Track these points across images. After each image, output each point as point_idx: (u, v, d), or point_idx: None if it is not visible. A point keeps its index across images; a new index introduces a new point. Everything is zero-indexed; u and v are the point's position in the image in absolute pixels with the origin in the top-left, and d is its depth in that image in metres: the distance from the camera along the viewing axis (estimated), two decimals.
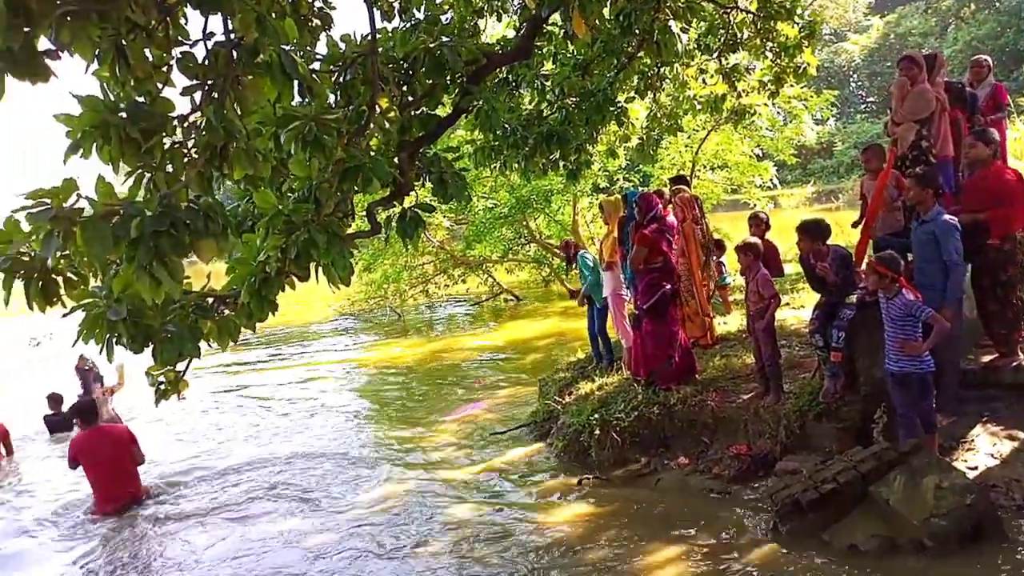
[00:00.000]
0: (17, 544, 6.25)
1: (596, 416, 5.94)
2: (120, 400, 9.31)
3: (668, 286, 6.13)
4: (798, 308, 7.87)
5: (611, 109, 6.35)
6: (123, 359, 9.52)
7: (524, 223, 16.20)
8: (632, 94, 7.23)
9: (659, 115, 8.56)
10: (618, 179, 16.04)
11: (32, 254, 2.74)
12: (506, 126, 5.57)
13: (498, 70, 5.68)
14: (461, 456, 6.85)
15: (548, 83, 6.32)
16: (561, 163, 6.35)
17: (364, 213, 4.46)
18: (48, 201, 2.56)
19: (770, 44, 7.48)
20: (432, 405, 9.07)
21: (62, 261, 2.78)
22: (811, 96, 14.14)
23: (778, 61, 7.77)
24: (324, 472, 6.97)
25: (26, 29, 2.03)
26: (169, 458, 8.06)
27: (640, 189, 11.11)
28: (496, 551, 4.83)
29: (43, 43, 2.18)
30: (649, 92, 7.72)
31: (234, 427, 9.10)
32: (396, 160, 4.02)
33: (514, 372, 10.38)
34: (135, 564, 5.59)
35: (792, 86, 10.93)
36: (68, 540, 6.14)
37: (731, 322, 7.93)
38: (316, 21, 3.68)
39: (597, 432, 5.85)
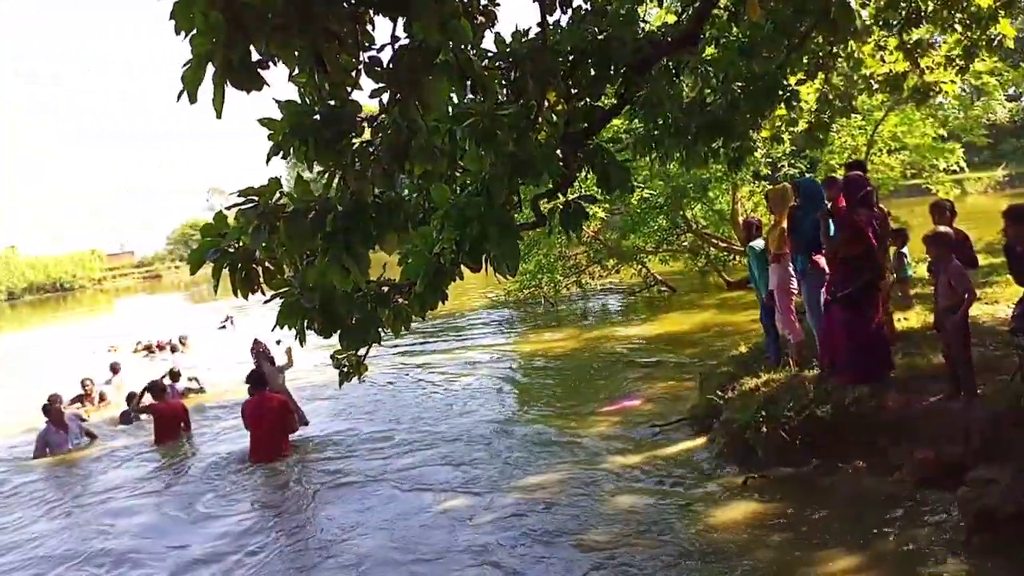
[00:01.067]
0: (194, 488, 7.28)
1: (763, 413, 5.71)
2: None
3: (868, 275, 5.71)
4: (991, 303, 7.17)
5: (780, 93, 6.06)
6: (290, 343, 10.63)
7: (680, 213, 15.83)
8: (801, 76, 6.86)
9: (831, 96, 8.07)
10: (782, 166, 15.30)
11: (236, 246, 3.03)
12: (667, 114, 5.47)
13: None
14: (618, 447, 6.83)
15: (711, 68, 6.13)
16: (722, 151, 6.16)
17: (527, 204, 4.56)
18: (256, 198, 2.81)
19: (959, 15, 6.84)
20: (587, 394, 9.11)
21: (262, 252, 3.04)
22: (1007, 70, 12.78)
23: (968, 34, 7.09)
24: (483, 454, 7.22)
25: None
26: (339, 428, 8.88)
27: (808, 176, 10.56)
28: (658, 545, 4.79)
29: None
30: (821, 73, 7.30)
31: (398, 406, 9.63)
32: (559, 152, 4.06)
33: (670, 365, 10.20)
34: (300, 516, 6.24)
35: (983, 60, 9.95)
36: (240, 489, 7.07)
37: (911, 318, 7.35)
38: (481, 18, 3.79)
39: (764, 430, 5.63)
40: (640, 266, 17.72)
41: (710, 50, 6.40)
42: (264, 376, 8.48)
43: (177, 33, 2.17)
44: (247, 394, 8.29)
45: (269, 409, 7.96)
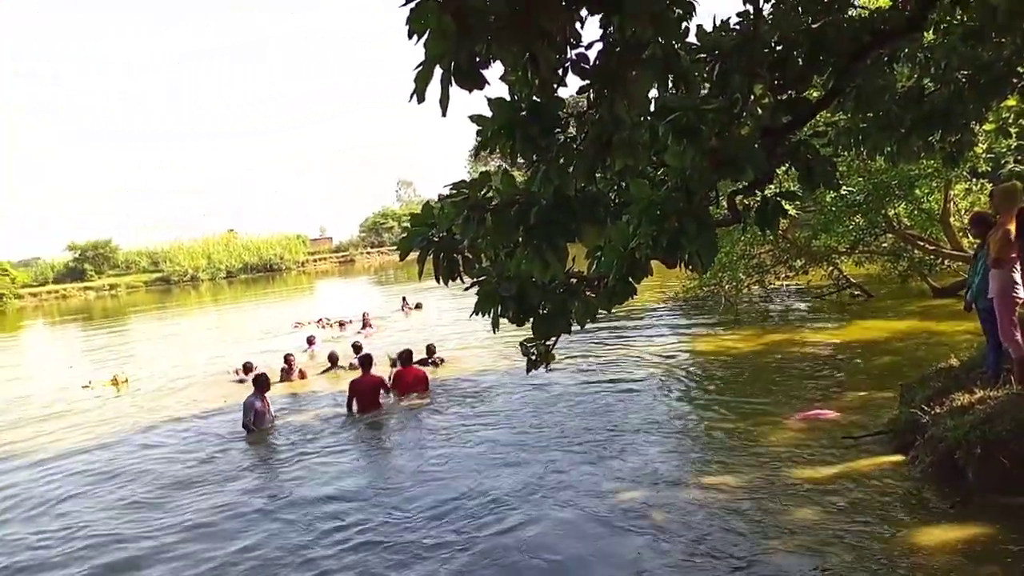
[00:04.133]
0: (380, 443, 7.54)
1: (977, 433, 5.21)
2: None
3: None
4: None
5: (1014, 81, 5.48)
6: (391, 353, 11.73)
7: (881, 211, 14.66)
8: None
9: None
10: (1006, 162, 13.70)
11: (441, 235, 3.22)
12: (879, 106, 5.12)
13: None
14: (805, 456, 6.50)
15: (931, 56, 5.64)
16: (938, 145, 5.65)
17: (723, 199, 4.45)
18: (467, 191, 2.98)
19: None
20: (771, 399, 8.72)
21: (469, 241, 3.21)
22: None
23: None
24: (660, 448, 7.23)
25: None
26: (514, 411, 9.36)
27: None
28: (851, 566, 4.53)
29: None
30: None
31: (572, 395, 9.77)
32: (761, 147, 3.93)
33: (863, 374, 9.54)
34: (469, 484, 6.39)
35: None
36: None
37: None
38: (679, 10, 3.73)
39: (978, 451, 5.13)
40: (832, 268, 16.65)
41: (928, 36, 5.89)
42: (413, 354, 11.37)
43: (410, 37, 2.34)
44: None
45: (411, 379, 10.88)
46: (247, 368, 13.43)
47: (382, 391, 10.34)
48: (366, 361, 10.56)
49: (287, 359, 13.36)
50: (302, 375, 13.28)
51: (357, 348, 13.53)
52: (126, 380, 14.88)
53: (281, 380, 12.89)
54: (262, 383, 10.12)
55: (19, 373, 19.70)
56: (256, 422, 9.68)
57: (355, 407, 10.10)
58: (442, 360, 13.18)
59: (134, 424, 11.01)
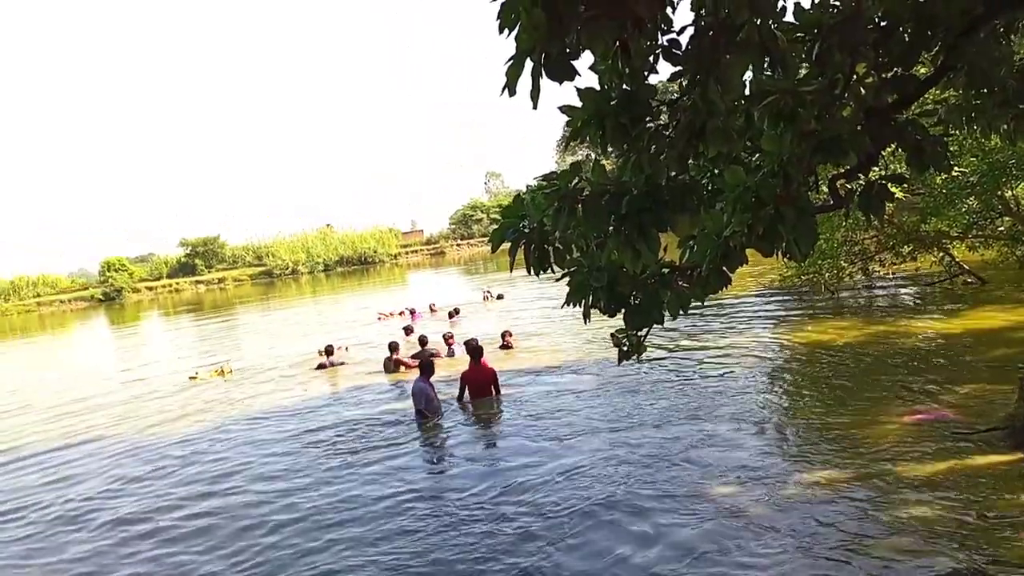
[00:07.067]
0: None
1: None
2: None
3: None
4: None
5: None
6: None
7: (997, 193, 13.73)
8: None
9: None
10: None
11: (532, 227, 3.24)
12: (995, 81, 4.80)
13: None
14: (914, 452, 6.19)
15: None
16: None
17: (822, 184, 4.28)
18: (557, 183, 2.99)
19: None
20: (873, 394, 8.33)
21: (560, 232, 3.21)
22: None
23: None
24: (757, 441, 7.02)
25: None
26: (602, 402, 9.12)
27: None
28: (963, 567, 4.29)
29: None
30: None
31: (664, 386, 9.59)
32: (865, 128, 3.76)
33: (978, 366, 8.98)
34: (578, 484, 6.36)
35: None
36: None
37: None
38: None
39: None
40: (942, 254, 15.72)
41: None
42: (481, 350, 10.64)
43: (501, 31, 2.37)
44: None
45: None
46: (327, 351, 14.75)
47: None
48: (476, 351, 10.52)
49: (391, 346, 13.54)
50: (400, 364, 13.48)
51: (447, 338, 14.15)
52: (231, 371, 15.65)
53: (387, 370, 13.31)
54: (428, 368, 10.06)
55: (137, 368, 21.07)
56: (427, 408, 9.69)
57: (466, 396, 10.25)
58: (511, 346, 13.92)
59: (237, 413, 11.60)
